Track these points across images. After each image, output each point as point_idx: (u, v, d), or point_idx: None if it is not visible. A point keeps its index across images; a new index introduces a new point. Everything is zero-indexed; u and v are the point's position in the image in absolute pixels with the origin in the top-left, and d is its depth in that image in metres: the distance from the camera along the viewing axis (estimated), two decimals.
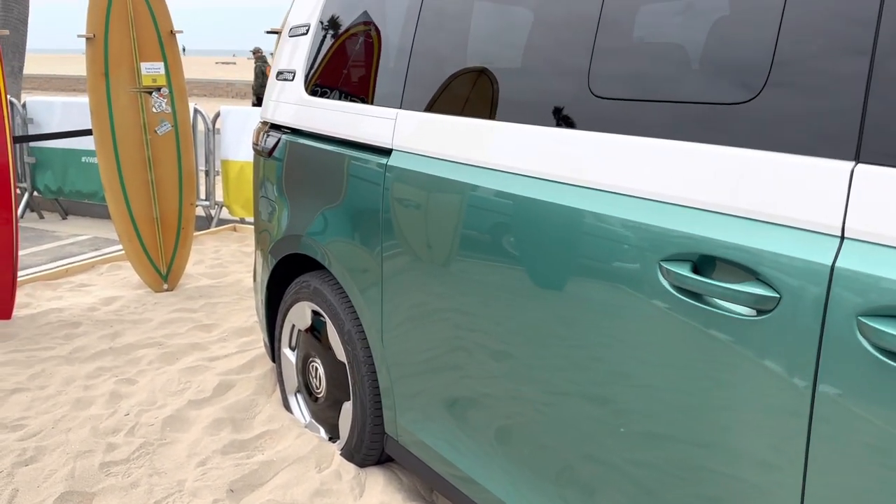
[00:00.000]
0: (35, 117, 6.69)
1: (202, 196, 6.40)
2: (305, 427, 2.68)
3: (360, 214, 2.18)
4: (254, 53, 15.51)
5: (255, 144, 2.84)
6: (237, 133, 6.01)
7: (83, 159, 6.50)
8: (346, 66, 2.37)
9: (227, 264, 5.07)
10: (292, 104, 2.60)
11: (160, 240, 4.39)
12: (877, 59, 1.09)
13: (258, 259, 2.93)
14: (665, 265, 1.32)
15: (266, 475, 2.37)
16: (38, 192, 6.77)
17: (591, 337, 1.48)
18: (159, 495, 2.27)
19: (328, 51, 2.47)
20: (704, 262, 1.28)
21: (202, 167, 6.34)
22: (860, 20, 1.12)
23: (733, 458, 1.25)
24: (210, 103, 19.37)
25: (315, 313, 2.57)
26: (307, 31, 2.61)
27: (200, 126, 6.33)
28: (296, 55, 2.65)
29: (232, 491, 2.29)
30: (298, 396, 2.79)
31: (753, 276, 1.20)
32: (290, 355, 2.78)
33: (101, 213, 6.60)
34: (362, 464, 2.39)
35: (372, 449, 2.34)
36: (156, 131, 4.31)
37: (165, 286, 4.42)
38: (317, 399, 2.65)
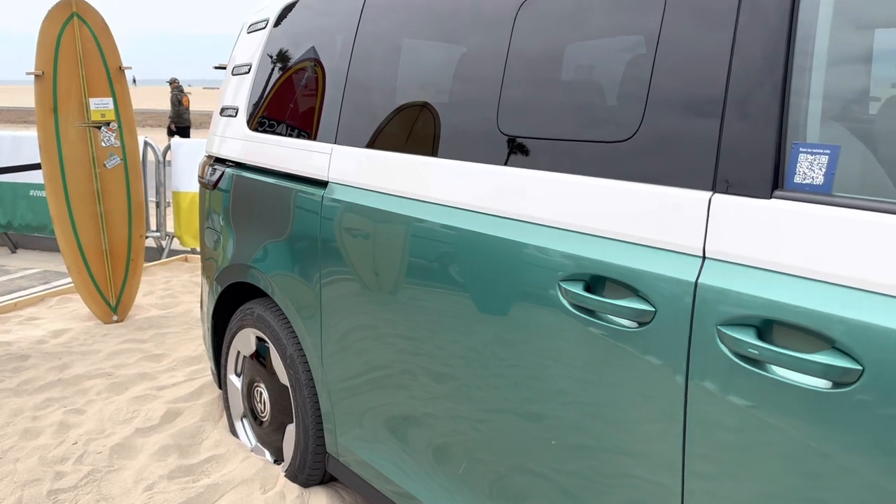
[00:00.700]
0: None
1: (153, 227, 6.43)
2: (251, 451, 2.76)
3: (299, 243, 2.30)
4: (170, 83, 15.67)
5: (201, 177, 2.96)
6: (188, 165, 6.09)
7: (31, 192, 6.50)
8: (285, 104, 2.50)
9: (178, 294, 5.11)
10: (235, 139, 2.73)
11: (109, 271, 4.43)
12: (727, 110, 1.28)
13: (204, 287, 3.02)
14: (563, 285, 1.47)
15: (212, 498, 2.45)
16: None
17: (508, 354, 1.62)
18: None
19: (269, 89, 2.61)
20: (595, 282, 1.44)
21: (153, 199, 6.38)
22: (713, 80, 1.30)
23: (631, 458, 1.40)
24: (162, 133, 19.29)
25: (259, 339, 2.67)
26: (249, 69, 2.75)
27: (151, 157, 6.39)
28: (239, 93, 2.78)
29: None
30: (244, 421, 2.88)
31: (633, 292, 1.36)
32: (235, 381, 2.87)
33: (50, 246, 6.58)
34: (306, 484, 2.49)
35: (315, 469, 2.44)
36: (105, 165, 4.37)
37: (115, 318, 4.45)
38: (262, 423, 2.74)
